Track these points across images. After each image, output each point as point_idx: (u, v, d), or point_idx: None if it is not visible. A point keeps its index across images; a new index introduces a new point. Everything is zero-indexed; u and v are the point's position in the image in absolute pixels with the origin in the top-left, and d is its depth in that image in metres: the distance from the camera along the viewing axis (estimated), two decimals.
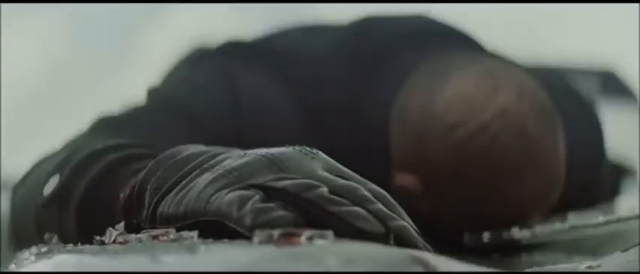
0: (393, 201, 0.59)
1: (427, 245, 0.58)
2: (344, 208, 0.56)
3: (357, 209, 0.56)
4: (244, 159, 0.60)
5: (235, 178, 0.59)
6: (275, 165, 0.59)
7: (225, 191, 0.58)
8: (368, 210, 0.57)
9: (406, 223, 0.58)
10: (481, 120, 0.94)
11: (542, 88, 1.00)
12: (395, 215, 0.58)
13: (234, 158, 0.61)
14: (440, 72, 1.00)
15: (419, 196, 0.96)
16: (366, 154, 1.00)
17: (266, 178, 0.58)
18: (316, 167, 0.59)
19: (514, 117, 0.95)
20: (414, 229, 0.59)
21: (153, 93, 1.06)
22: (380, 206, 0.58)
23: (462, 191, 0.95)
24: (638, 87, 3.20)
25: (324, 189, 0.57)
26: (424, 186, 0.96)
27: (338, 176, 0.59)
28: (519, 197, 0.95)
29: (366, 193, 0.58)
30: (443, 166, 0.95)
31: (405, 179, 0.97)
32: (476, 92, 0.96)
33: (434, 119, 0.96)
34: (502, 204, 0.95)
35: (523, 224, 0.95)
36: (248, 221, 0.55)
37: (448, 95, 0.96)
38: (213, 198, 0.58)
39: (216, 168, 0.61)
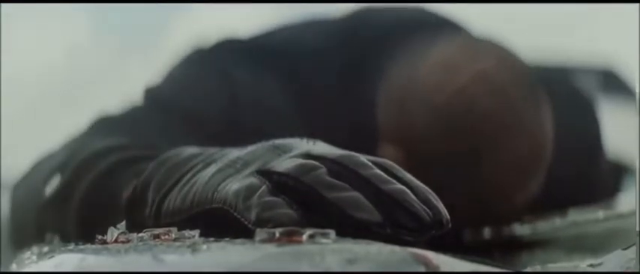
0: (397, 167, 0.59)
1: (425, 209, 0.57)
2: (342, 194, 0.56)
3: (355, 195, 0.56)
4: (248, 149, 0.62)
5: (241, 165, 0.60)
6: (278, 149, 0.60)
7: (232, 178, 0.59)
8: (364, 177, 0.57)
9: (404, 187, 0.57)
10: (459, 84, 0.94)
11: (524, 62, 0.99)
12: (391, 179, 0.57)
13: (238, 150, 0.63)
14: (425, 47, 1.00)
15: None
16: (364, 149, 1.00)
17: (270, 161, 0.59)
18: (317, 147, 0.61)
19: (493, 81, 0.94)
20: (429, 192, 0.58)
21: (150, 93, 1.06)
22: (376, 171, 0.57)
23: (444, 159, 0.94)
24: (637, 85, 3.20)
25: (323, 171, 0.57)
26: (407, 157, 0.95)
27: None
28: (501, 163, 0.94)
29: (365, 160, 0.58)
30: (424, 132, 0.95)
31: (388, 150, 0.96)
32: (456, 58, 0.96)
33: (415, 85, 0.96)
34: (485, 170, 0.94)
35: (510, 191, 0.94)
36: (253, 215, 0.56)
37: (429, 63, 0.96)
38: (221, 186, 0.59)
39: (222, 159, 0.62)
